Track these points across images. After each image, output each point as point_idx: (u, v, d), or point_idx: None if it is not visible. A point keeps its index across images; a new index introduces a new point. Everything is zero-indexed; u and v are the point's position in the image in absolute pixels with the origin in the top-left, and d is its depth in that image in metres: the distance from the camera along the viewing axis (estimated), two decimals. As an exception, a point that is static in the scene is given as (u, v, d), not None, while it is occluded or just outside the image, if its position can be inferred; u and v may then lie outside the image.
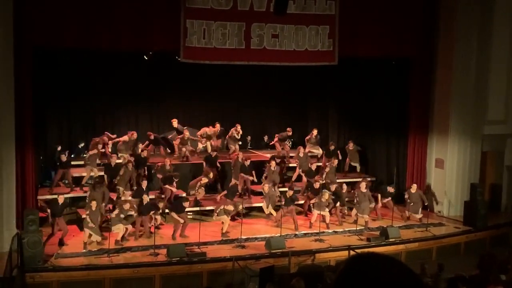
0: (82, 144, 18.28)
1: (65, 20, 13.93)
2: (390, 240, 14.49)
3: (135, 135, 17.17)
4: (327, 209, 15.40)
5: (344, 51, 16.31)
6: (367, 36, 16.52)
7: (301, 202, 16.64)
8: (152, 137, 17.84)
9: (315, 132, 18.72)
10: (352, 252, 12.78)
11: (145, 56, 15.65)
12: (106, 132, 17.21)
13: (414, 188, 16.18)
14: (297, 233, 14.91)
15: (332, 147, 18.49)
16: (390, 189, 16.56)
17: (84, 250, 13.07)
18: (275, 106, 20.50)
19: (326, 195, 15.26)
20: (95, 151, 16.00)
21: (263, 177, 16.64)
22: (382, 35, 16.66)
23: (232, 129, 18.23)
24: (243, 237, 14.14)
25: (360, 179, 17.00)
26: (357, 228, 15.09)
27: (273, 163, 16.66)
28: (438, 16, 17.29)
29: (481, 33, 16.92)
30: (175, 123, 17.85)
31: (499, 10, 17.21)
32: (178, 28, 14.83)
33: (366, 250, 12.63)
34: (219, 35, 15.16)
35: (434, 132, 17.69)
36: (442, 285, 10.53)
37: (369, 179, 17.60)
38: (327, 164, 17.52)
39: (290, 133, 18.55)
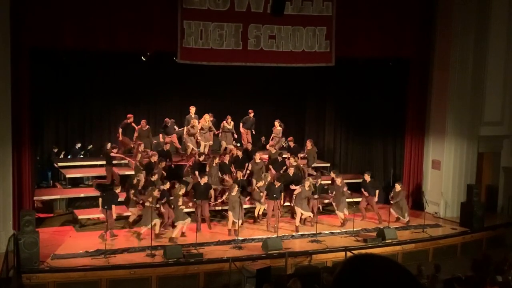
0: (79, 145, 18.31)
1: (62, 21, 13.91)
2: (387, 241, 14.50)
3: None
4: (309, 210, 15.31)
5: (341, 52, 16.32)
6: (364, 37, 16.54)
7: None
8: (169, 123, 17.77)
9: (276, 123, 18.55)
10: (349, 253, 12.80)
11: (142, 57, 15.65)
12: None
13: (398, 187, 15.87)
14: (294, 234, 14.90)
15: (291, 143, 18.25)
16: (367, 177, 16.18)
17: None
18: (272, 107, 20.52)
19: (307, 183, 15.11)
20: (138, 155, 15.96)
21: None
22: (379, 36, 16.68)
23: (223, 122, 18.09)
24: (240, 238, 14.14)
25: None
26: (354, 229, 15.09)
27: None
28: (435, 17, 17.33)
29: (477, 35, 16.96)
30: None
31: (495, 12, 17.25)
32: (175, 29, 14.84)
33: (363, 251, 12.69)
34: (216, 36, 15.16)
35: (431, 133, 17.72)
36: (438, 286, 10.55)
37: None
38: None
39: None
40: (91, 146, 18.54)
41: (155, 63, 16.65)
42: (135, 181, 14.68)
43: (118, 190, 14.14)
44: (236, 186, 14.61)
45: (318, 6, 15.94)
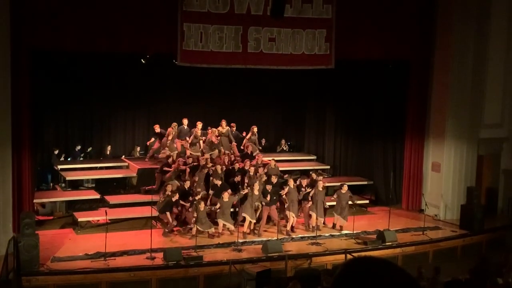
0: (79, 147, 18.33)
1: (63, 23, 13.93)
2: (387, 243, 14.49)
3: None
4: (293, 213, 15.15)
5: (341, 54, 16.32)
6: (364, 40, 16.55)
7: None
8: (158, 130, 17.71)
9: (255, 129, 17.90)
10: (349, 256, 12.79)
11: (142, 60, 15.67)
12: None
13: (345, 188, 15.46)
14: (294, 236, 14.89)
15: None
16: (291, 183, 15.24)
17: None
18: (272, 109, 20.55)
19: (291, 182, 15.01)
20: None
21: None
22: (379, 38, 16.70)
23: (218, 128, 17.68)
24: (240, 240, 14.13)
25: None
26: (354, 231, 15.08)
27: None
28: (435, 20, 17.34)
29: (477, 38, 16.98)
30: (157, 128, 17.65)
31: (495, 15, 17.27)
32: (175, 31, 14.85)
33: (363, 253, 12.68)
34: (216, 39, 15.17)
35: (431, 136, 17.72)
36: (438, 289, 10.55)
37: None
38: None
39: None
40: (90, 148, 18.55)
41: (155, 66, 16.67)
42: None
43: (175, 198, 14.43)
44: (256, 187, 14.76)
45: (318, 8, 15.95)
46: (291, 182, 15.13)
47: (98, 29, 14.24)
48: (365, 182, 18.81)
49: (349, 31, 16.38)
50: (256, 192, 14.61)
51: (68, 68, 17.04)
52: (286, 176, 16.52)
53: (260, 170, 16.16)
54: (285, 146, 20.62)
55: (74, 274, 12.10)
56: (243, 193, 14.72)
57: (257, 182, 14.93)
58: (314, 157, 20.16)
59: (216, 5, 15.06)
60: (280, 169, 18.30)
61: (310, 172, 16.80)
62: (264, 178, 15.53)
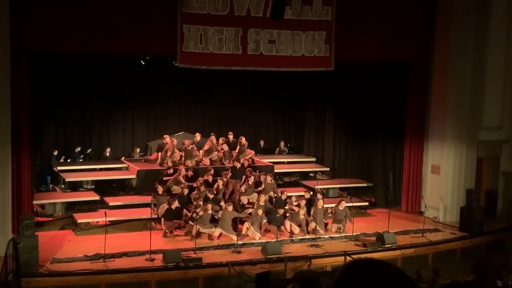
0: (79, 149, 18.33)
1: (62, 25, 13.92)
2: (386, 245, 14.49)
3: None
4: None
5: (341, 56, 16.32)
6: (363, 42, 16.54)
7: None
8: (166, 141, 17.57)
9: (243, 140, 17.55)
10: (348, 258, 12.79)
11: (142, 61, 15.68)
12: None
13: (342, 205, 15.45)
14: (293, 238, 14.88)
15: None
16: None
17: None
18: (272, 111, 20.54)
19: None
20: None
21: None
22: (379, 40, 16.70)
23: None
24: (239, 242, 14.13)
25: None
26: (353, 234, 15.08)
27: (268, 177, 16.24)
28: (435, 22, 17.36)
29: (477, 40, 17.00)
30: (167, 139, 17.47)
31: (495, 17, 17.29)
32: (175, 33, 14.85)
33: (362, 255, 12.65)
34: (216, 40, 15.17)
35: (430, 138, 17.73)
36: (438, 291, 10.54)
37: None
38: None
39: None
40: (90, 149, 18.55)
41: (155, 67, 16.67)
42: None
43: (174, 205, 14.59)
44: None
45: (317, 10, 15.95)
46: (302, 203, 15.21)
47: (98, 31, 14.25)
48: (365, 184, 18.81)
49: (349, 33, 16.39)
50: (259, 214, 14.61)
51: (68, 70, 17.05)
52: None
53: (251, 179, 16.08)
54: (285, 148, 20.61)
55: (73, 275, 12.10)
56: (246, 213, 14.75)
57: (261, 206, 14.85)
58: (313, 159, 20.16)
59: (216, 6, 15.06)
60: (280, 171, 18.40)
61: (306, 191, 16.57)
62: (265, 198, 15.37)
